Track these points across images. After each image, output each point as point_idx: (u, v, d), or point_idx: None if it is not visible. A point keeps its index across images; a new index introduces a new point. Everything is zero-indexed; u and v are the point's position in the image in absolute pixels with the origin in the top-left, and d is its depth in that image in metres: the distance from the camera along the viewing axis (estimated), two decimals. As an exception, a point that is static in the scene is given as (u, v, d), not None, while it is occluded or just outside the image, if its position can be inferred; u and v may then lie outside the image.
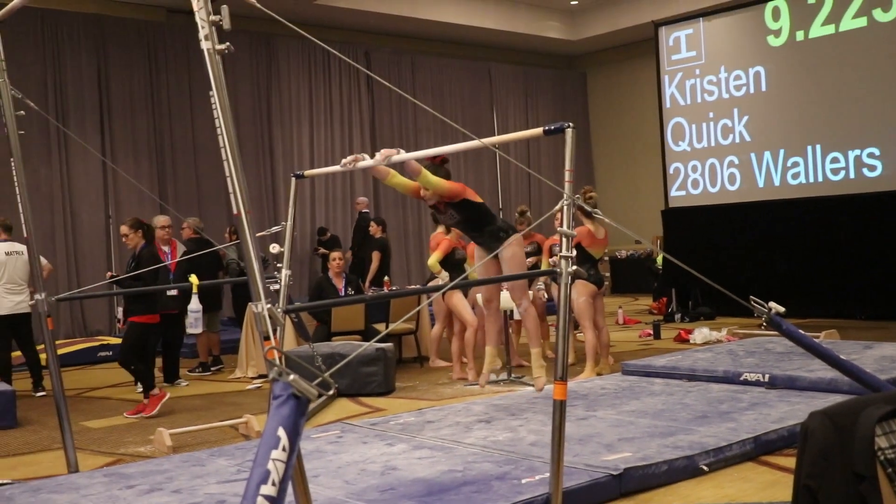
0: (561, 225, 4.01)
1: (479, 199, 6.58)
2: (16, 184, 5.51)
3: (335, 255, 10.35)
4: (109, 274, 10.89)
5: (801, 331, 4.30)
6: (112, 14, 14.78)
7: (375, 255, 12.63)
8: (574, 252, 3.98)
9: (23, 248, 8.99)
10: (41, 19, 13.88)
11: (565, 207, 3.96)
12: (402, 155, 5.25)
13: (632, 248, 18.67)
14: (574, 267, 3.88)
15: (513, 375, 8.73)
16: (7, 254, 9.04)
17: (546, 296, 10.22)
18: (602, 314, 9.00)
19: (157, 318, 8.28)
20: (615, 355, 9.54)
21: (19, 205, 5.55)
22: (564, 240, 3.94)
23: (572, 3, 18.08)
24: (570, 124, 4.05)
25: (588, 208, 4.60)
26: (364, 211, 15.39)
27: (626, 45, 19.23)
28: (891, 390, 4.06)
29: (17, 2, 5.13)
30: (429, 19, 16.82)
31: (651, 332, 11.74)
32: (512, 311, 8.80)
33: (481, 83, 19.30)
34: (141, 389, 9.16)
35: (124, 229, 8.50)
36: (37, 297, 5.53)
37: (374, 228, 13.07)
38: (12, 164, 5.50)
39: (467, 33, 17.98)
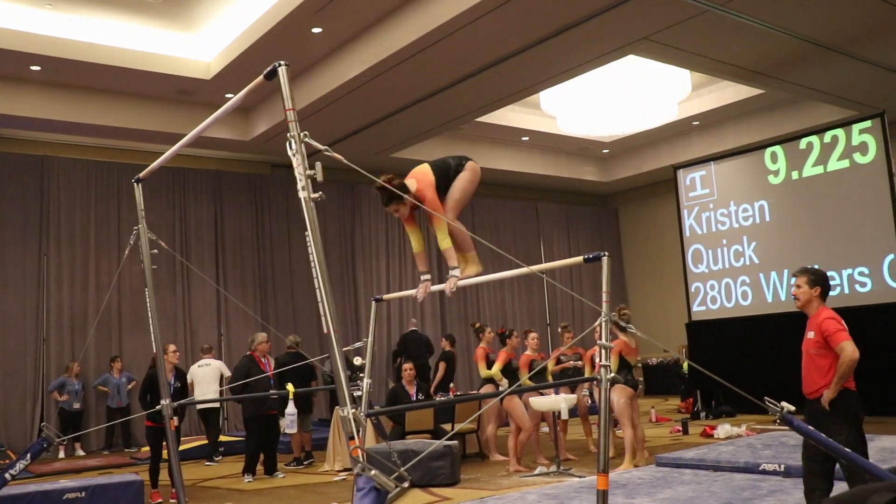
0: (600, 338, 3.97)
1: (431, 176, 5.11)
2: (148, 308, 5.65)
3: (407, 365, 10.34)
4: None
5: (810, 427, 4.16)
6: (227, 169, 15.31)
7: (442, 365, 12.56)
8: (613, 360, 3.92)
9: (210, 360, 11.91)
10: (171, 175, 14.43)
11: (603, 323, 3.93)
12: (464, 281, 5.16)
13: (661, 356, 18.31)
14: (612, 374, 3.83)
15: (561, 468, 8.53)
16: (199, 366, 11.76)
17: (590, 400, 10.09)
18: (638, 413, 8.80)
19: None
20: (649, 449, 9.27)
21: (150, 325, 5.68)
22: (603, 351, 3.90)
23: (604, 151, 18.29)
24: (606, 253, 4.05)
25: (623, 323, 4.57)
26: (414, 329, 15.12)
27: (651, 184, 19.32)
28: (893, 479, 3.87)
29: (154, 164, 5.37)
30: (485, 167, 16.97)
31: (680, 428, 11.41)
32: (559, 413, 8.66)
33: (530, 219, 19.46)
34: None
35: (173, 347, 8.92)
36: (162, 402, 5.59)
37: (443, 343, 13.06)
38: (146, 292, 5.64)
39: (518, 178, 18.23)
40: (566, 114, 14.50)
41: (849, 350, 4.71)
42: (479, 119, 14.46)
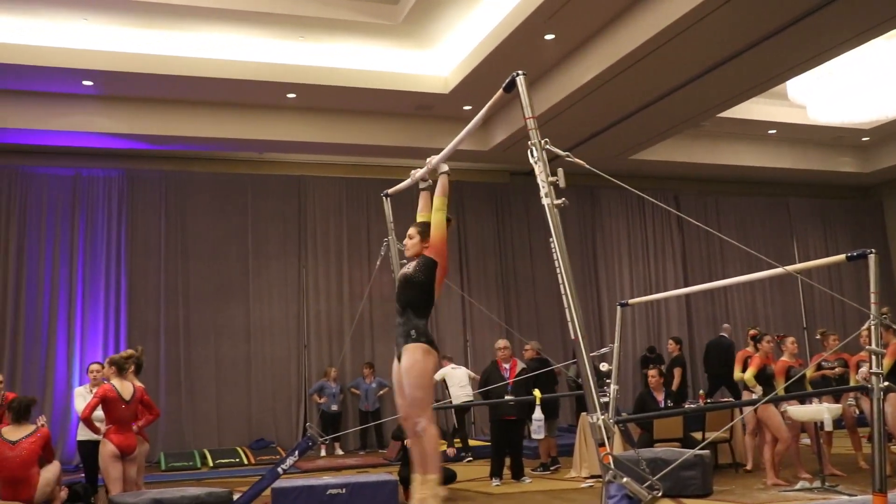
0: (869, 343, 3.66)
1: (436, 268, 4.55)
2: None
3: (652, 372, 10.08)
4: None
5: None
6: (467, 180, 15.69)
7: (678, 371, 12.14)
8: (886, 365, 3.61)
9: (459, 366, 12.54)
10: (415, 188, 14.99)
11: (873, 327, 3.62)
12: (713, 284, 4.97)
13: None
14: (886, 383, 3.52)
15: (826, 484, 7.96)
16: (452, 368, 12.16)
17: (857, 411, 9.35)
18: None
19: None
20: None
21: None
22: (874, 357, 3.59)
23: (863, 139, 16.91)
24: (873, 250, 3.75)
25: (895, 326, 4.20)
26: (723, 335, 14.54)
27: (921, 172, 17.62)
28: None
29: (404, 184, 5.60)
30: (729, 164, 16.38)
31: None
32: (822, 423, 8.09)
33: (780, 217, 18.37)
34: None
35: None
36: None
37: (672, 346, 12.67)
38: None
39: (764, 173, 17.29)
40: (818, 102, 13.54)
41: None
42: (722, 115, 13.85)
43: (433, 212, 4.43)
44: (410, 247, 4.45)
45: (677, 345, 12.74)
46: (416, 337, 4.14)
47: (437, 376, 12.54)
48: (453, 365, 12.63)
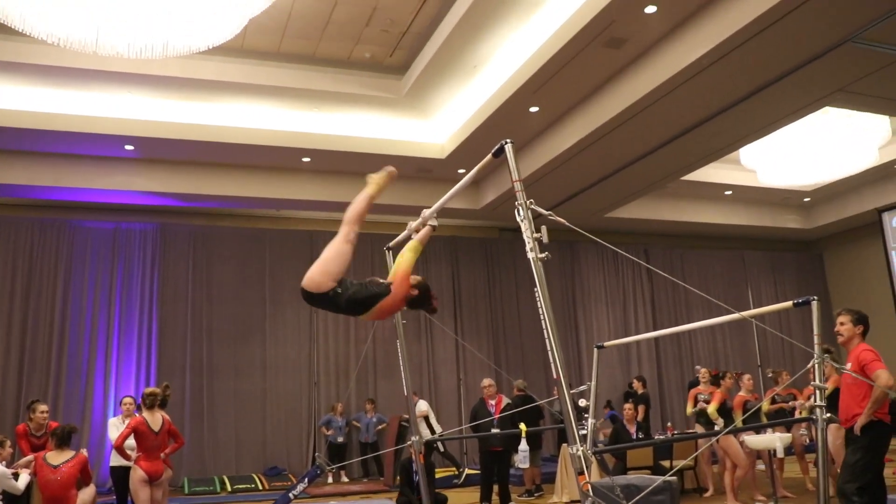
0: (814, 379, 3.71)
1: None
2: (400, 357, 5.93)
3: (627, 406, 10.06)
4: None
5: None
6: (461, 235, 15.79)
7: (641, 408, 12.10)
8: (826, 402, 3.65)
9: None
10: (414, 241, 15.08)
11: (816, 365, 3.67)
12: (679, 328, 5.00)
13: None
14: (828, 414, 3.56)
15: (781, 505, 7.94)
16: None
17: (808, 440, 9.36)
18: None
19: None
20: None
21: (402, 371, 5.95)
22: (818, 392, 3.64)
23: (805, 199, 17.10)
24: (815, 298, 3.81)
25: (836, 365, 4.26)
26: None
27: (854, 228, 17.75)
28: None
29: (402, 236, 5.63)
30: (693, 221, 16.51)
31: (904, 469, 10.19)
32: (775, 451, 8.08)
33: (737, 268, 18.46)
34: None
35: None
36: (413, 438, 5.81)
37: (636, 384, 12.67)
38: (398, 343, 5.94)
39: (722, 229, 17.42)
40: (766, 167, 13.74)
41: (884, 377, 4.59)
42: (684, 178, 14.03)
43: (405, 249, 4.32)
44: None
45: (640, 382, 12.71)
46: (339, 290, 4.01)
47: (424, 409, 12.60)
48: (424, 401, 12.99)
